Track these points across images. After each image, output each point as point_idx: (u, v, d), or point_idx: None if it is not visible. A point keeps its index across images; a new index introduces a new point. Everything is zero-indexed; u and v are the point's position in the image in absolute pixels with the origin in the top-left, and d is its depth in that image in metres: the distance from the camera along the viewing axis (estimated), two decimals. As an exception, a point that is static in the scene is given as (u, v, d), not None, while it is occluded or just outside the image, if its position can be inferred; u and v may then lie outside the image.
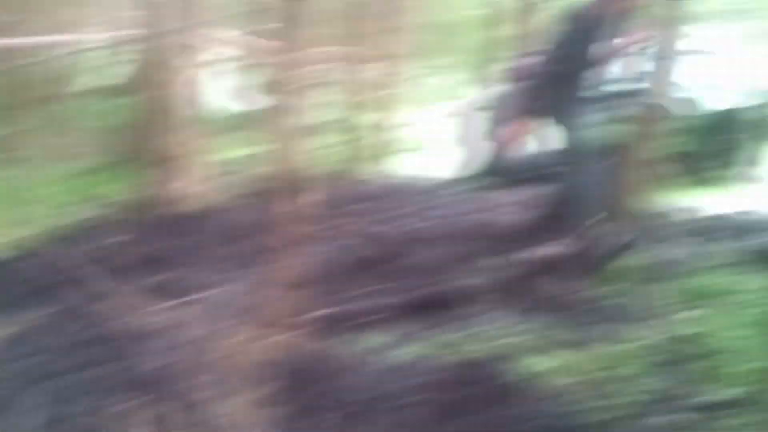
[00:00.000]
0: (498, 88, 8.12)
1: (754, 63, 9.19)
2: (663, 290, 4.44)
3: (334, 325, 4.06)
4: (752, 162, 8.15)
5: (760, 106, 8.38)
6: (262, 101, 8.01)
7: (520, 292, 4.53)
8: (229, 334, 3.71)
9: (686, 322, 4.11)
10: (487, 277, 4.68)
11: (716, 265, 4.74)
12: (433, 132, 10.53)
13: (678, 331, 4.02)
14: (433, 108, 12.08)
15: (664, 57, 4.70)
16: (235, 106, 11.65)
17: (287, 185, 3.65)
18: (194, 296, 4.25)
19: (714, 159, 7.83)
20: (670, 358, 3.80)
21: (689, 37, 5.68)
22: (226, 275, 4.46)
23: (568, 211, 4.87)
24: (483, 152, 7.33)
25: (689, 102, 7.51)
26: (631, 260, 4.68)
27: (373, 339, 4.05)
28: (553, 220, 4.94)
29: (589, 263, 4.68)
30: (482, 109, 7.63)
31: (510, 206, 5.80)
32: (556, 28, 4.66)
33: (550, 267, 4.72)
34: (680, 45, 4.85)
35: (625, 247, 4.70)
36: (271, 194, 3.76)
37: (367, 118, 9.19)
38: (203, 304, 4.15)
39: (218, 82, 12.26)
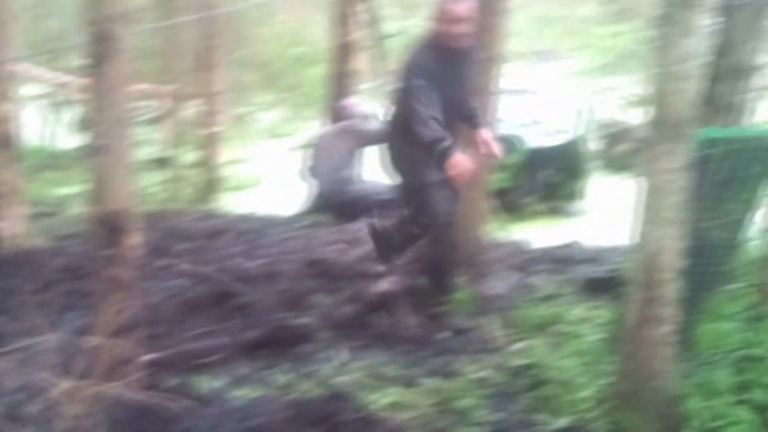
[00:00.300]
0: (323, 125, 8.19)
1: (574, 100, 9.66)
2: (493, 323, 4.55)
3: (164, 370, 3.90)
4: (575, 196, 8.54)
5: (581, 142, 8.82)
6: (84, 139, 7.73)
7: (354, 329, 4.52)
8: (49, 386, 3.49)
9: (515, 354, 4.22)
10: (320, 315, 4.65)
11: (541, 297, 4.91)
12: (272, 168, 10.47)
13: (508, 363, 4.12)
14: (273, 144, 12.05)
15: (489, 95, 4.84)
16: (60, 144, 11.24)
17: (109, 226, 3.49)
18: (10, 346, 3.99)
19: (538, 193, 8.14)
20: (501, 390, 3.88)
21: (512, 75, 5.90)
22: (45, 322, 4.21)
23: (401, 247, 4.90)
24: (315, 188, 7.33)
25: (513, 139, 7.77)
26: (461, 294, 4.76)
27: (206, 383, 3.92)
28: (385, 256, 4.96)
29: (421, 298, 4.72)
30: (307, 146, 7.67)
31: (343, 243, 5.80)
32: (401, 65, 4.61)
33: (382, 303, 4.74)
34: (503, 83, 5.01)
35: (456, 282, 4.77)
36: (93, 235, 3.59)
37: (194, 155, 9.04)
38: (20, 355, 3.89)
39: (42, 119, 11.80)
